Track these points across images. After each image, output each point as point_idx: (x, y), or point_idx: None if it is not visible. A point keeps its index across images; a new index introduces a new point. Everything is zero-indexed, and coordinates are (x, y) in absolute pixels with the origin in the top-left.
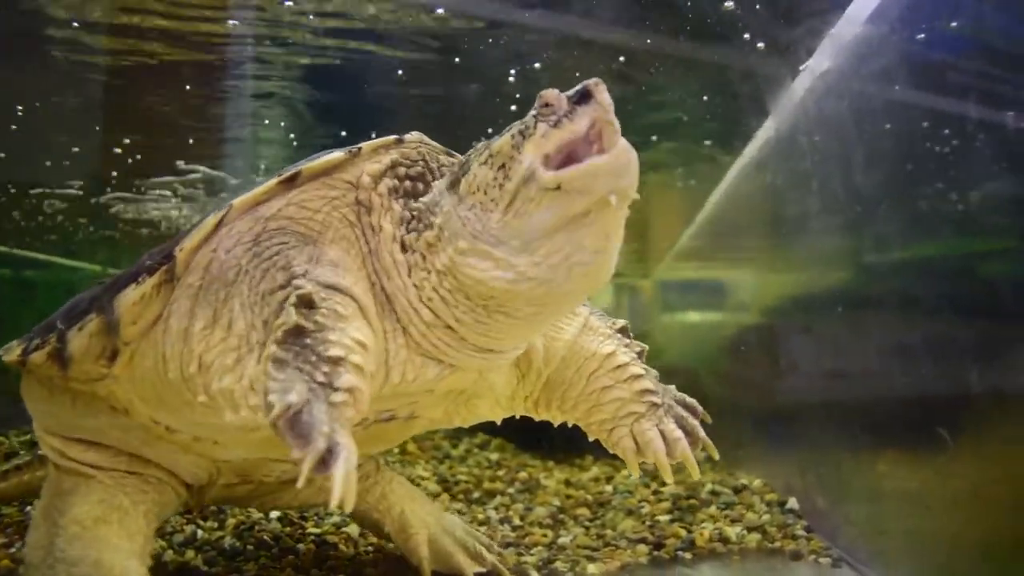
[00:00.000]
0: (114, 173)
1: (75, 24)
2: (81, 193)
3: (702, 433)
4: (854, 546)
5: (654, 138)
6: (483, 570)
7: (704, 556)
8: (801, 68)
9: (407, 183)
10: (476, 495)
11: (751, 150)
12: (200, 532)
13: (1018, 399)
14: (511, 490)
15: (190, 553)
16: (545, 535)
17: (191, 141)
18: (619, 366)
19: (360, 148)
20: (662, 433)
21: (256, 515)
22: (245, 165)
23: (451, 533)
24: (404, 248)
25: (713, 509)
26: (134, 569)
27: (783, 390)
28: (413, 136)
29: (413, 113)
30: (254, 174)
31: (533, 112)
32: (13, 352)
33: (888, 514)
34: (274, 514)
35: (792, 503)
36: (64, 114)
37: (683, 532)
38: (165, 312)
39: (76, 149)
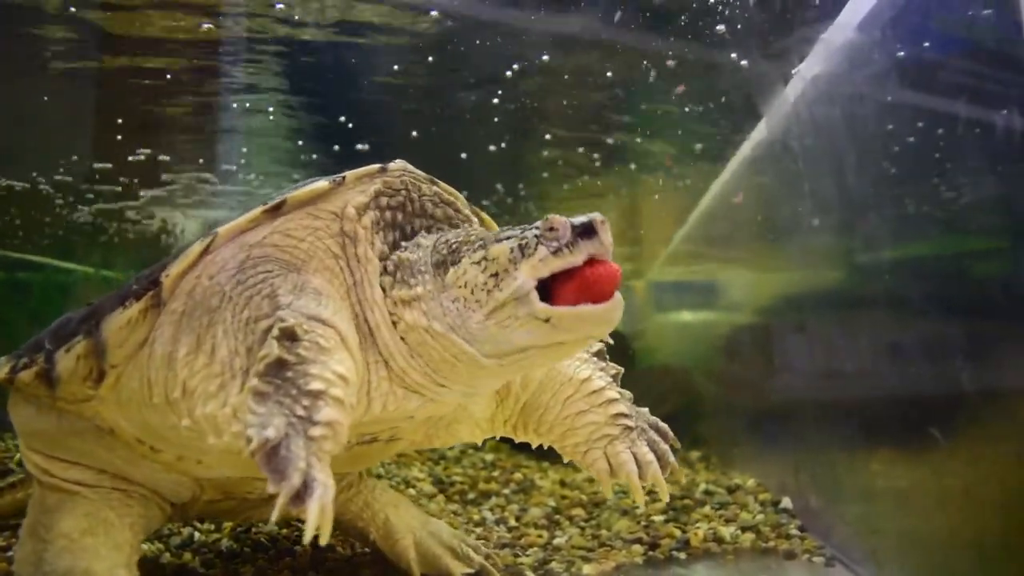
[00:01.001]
0: (108, 175)
1: (68, 23)
2: (73, 195)
3: (672, 458)
4: (847, 545)
5: (643, 138)
6: (471, 571)
7: (699, 556)
8: (793, 72)
9: (388, 214)
10: (471, 496)
11: (744, 152)
12: (197, 535)
13: (1008, 397)
14: (506, 491)
15: (187, 556)
16: (541, 536)
17: (186, 144)
18: (595, 391)
19: (344, 177)
20: (635, 456)
21: (256, 518)
22: (237, 168)
23: (437, 536)
24: (384, 290)
25: (707, 509)
26: None
27: (776, 390)
28: (396, 165)
29: (406, 118)
30: (247, 175)
31: (536, 230)
32: (1, 370)
33: (881, 513)
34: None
35: (786, 503)
36: (57, 115)
37: (678, 532)
38: (150, 337)
39: (70, 151)
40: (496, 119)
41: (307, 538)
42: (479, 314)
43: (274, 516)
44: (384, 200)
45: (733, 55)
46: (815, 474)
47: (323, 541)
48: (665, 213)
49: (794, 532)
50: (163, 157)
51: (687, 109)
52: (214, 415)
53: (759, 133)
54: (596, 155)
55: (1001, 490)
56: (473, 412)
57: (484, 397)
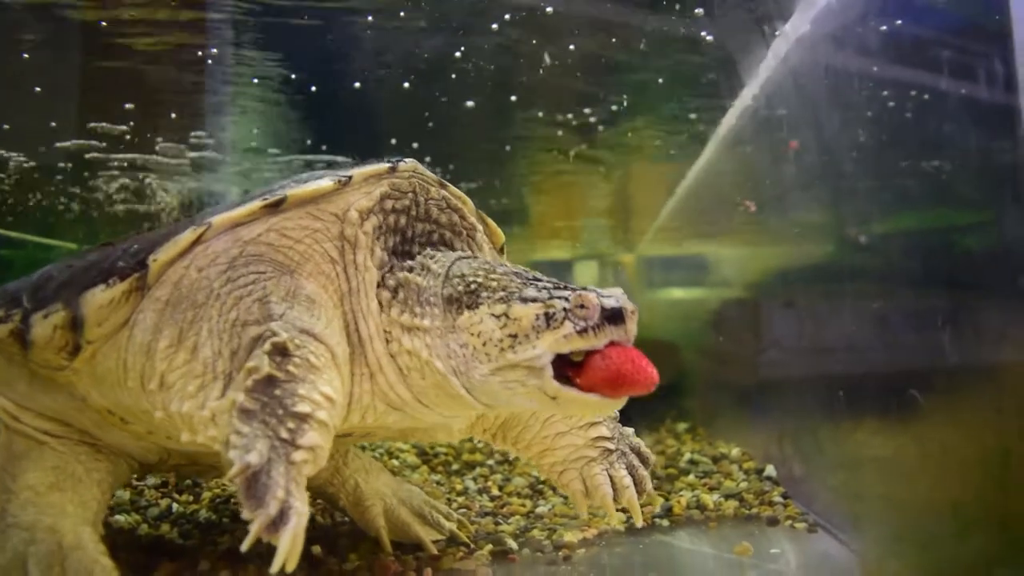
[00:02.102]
0: (93, 148)
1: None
2: (54, 171)
3: (649, 486)
4: (830, 512)
5: (629, 111)
6: (441, 538)
7: (681, 523)
8: (776, 34)
9: (391, 217)
10: (455, 467)
11: (729, 121)
12: (175, 506)
13: (988, 366)
14: (490, 462)
15: (165, 527)
16: (523, 505)
17: (172, 116)
18: None
19: (351, 177)
20: (611, 478)
21: (232, 487)
22: (228, 141)
23: (408, 503)
24: (380, 304)
25: (691, 478)
26: (87, 536)
27: (763, 363)
28: (407, 165)
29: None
30: (239, 150)
31: (564, 302)
32: None
33: (864, 480)
34: None
35: (770, 471)
36: (36, 91)
37: (661, 500)
38: (131, 319)
39: (50, 126)
40: (481, 94)
41: (275, 568)
42: (485, 367)
43: (246, 544)
44: (389, 203)
45: (716, 27)
46: (799, 443)
47: (289, 569)
48: (653, 186)
49: (777, 499)
50: (151, 134)
51: (669, 76)
52: (191, 415)
53: (743, 101)
54: (584, 128)
55: (980, 453)
56: (451, 425)
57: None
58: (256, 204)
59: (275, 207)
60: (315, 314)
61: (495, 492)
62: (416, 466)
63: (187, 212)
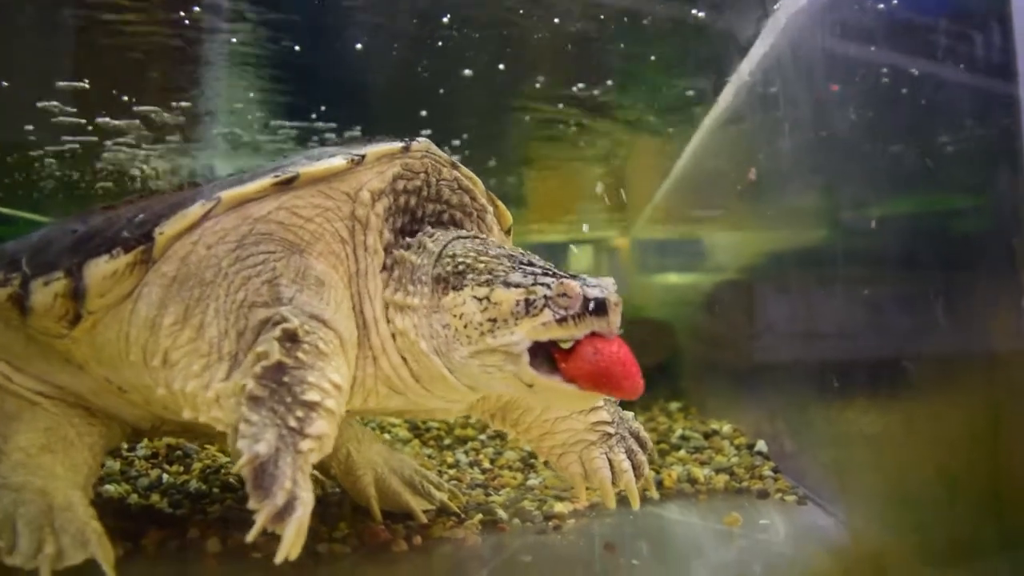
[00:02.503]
0: (77, 121)
1: None
2: (44, 146)
3: (647, 470)
4: (820, 486)
5: (622, 92)
6: (431, 508)
7: (672, 496)
8: (775, 8)
9: (402, 198)
10: (447, 441)
11: (724, 100)
12: (166, 476)
13: (979, 348)
14: (482, 436)
15: (155, 497)
16: (515, 477)
17: (157, 91)
18: None
19: (364, 156)
20: (610, 462)
21: (223, 459)
22: (214, 107)
23: (399, 472)
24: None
25: (683, 452)
26: (77, 500)
27: (756, 344)
28: (420, 145)
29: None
30: (221, 118)
31: (547, 289)
32: None
33: (854, 457)
34: None
35: (761, 446)
36: (22, 63)
37: (652, 473)
38: (135, 292)
39: (39, 100)
40: (473, 75)
41: (280, 557)
42: (465, 350)
43: (252, 534)
44: (401, 183)
45: (712, 2)
46: (791, 421)
47: (292, 557)
48: (648, 167)
49: (768, 473)
50: (139, 108)
51: (663, 51)
52: (194, 395)
53: (740, 76)
54: (577, 109)
55: (969, 423)
56: (451, 408)
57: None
58: (267, 181)
59: (286, 184)
60: (324, 298)
61: (486, 465)
62: (408, 440)
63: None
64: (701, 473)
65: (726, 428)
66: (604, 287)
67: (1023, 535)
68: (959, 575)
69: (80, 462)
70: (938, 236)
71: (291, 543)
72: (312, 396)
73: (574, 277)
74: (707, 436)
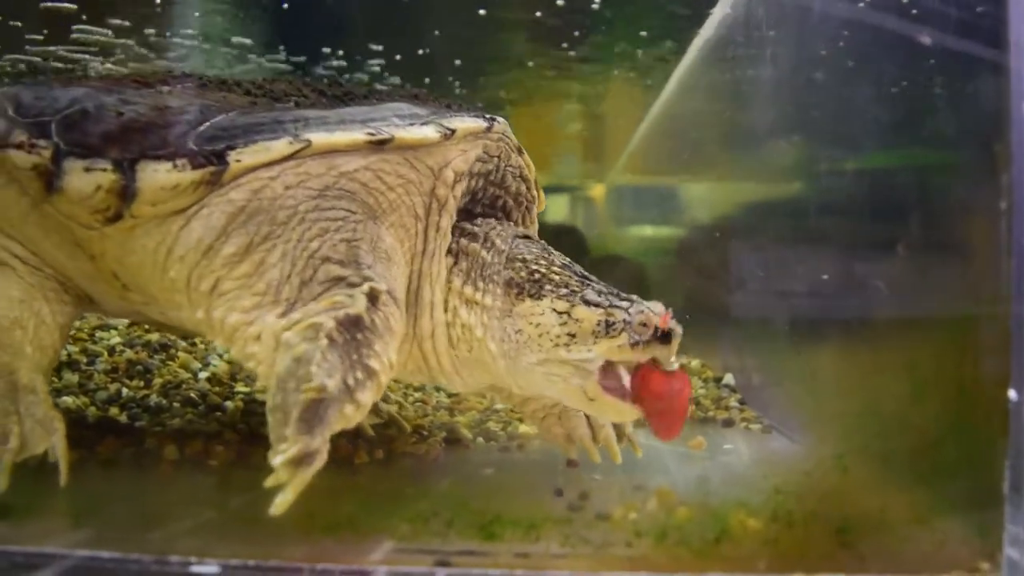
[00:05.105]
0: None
1: None
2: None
3: (629, 429)
4: (786, 418)
5: (600, 32)
6: (380, 421)
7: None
8: None
9: (473, 181)
10: None
11: (704, 34)
12: (125, 391)
13: (952, 297)
14: None
15: (114, 410)
16: (480, 402)
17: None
18: None
19: (454, 131)
20: (588, 419)
21: (184, 375)
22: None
23: None
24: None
25: None
26: (40, 384)
27: (729, 287)
28: (499, 126)
29: None
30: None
31: (626, 313)
32: None
33: (821, 392)
34: (203, 374)
35: (728, 379)
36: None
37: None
38: (191, 210)
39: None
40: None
41: (280, 508)
42: (534, 357)
43: (278, 459)
44: (477, 166)
45: None
46: (760, 357)
47: (284, 507)
48: (624, 109)
49: (734, 405)
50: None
51: None
52: (234, 327)
53: (721, 8)
54: (553, 49)
55: (936, 370)
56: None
57: None
58: (360, 136)
59: (378, 145)
60: (392, 274)
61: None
62: None
63: None
64: None
65: (694, 363)
66: (670, 319)
67: (982, 459)
68: (919, 493)
69: (48, 344)
70: (919, 190)
71: (295, 491)
72: (374, 364)
73: (631, 300)
74: None
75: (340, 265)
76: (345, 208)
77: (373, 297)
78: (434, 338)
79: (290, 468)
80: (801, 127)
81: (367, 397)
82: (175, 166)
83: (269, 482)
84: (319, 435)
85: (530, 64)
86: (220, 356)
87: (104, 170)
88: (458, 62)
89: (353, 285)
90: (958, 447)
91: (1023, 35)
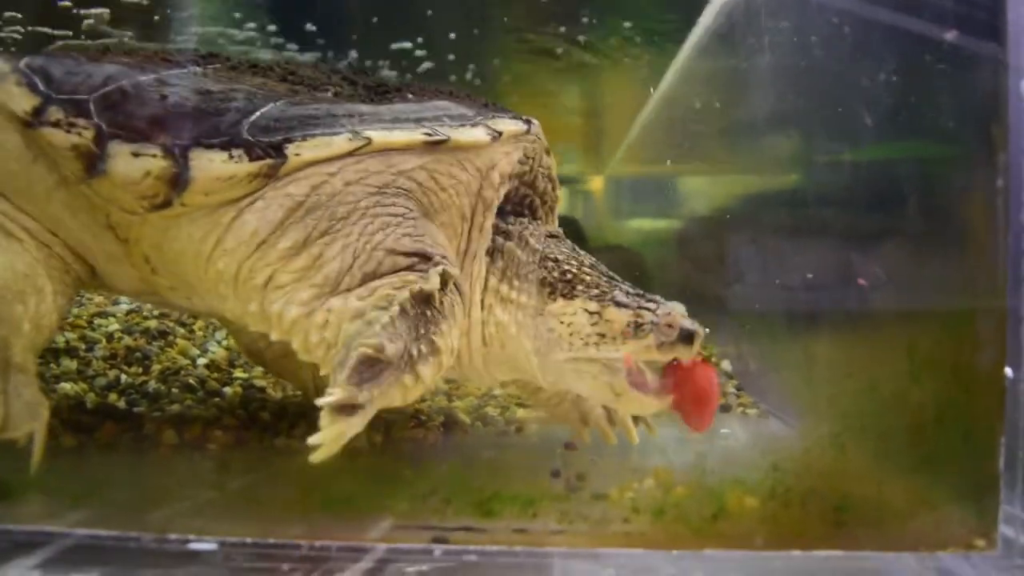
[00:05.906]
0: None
1: None
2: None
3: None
4: (782, 404)
5: (598, 19)
6: None
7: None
8: None
9: (512, 182)
10: None
11: (704, 23)
12: (124, 377)
13: (948, 287)
14: None
15: (113, 396)
16: (478, 388)
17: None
18: None
19: (501, 133)
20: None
21: (183, 361)
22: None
23: None
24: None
25: None
26: (31, 363)
27: (727, 274)
28: (536, 128)
29: None
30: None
31: (654, 315)
32: (22, 101)
33: (817, 378)
34: (201, 360)
35: (725, 365)
36: None
37: None
38: (244, 201)
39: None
40: None
41: (318, 456)
42: (563, 354)
43: (322, 400)
44: (516, 168)
45: None
46: (757, 344)
47: (322, 458)
48: (623, 100)
49: (731, 390)
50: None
51: None
52: (293, 320)
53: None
54: (552, 39)
55: (932, 352)
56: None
57: None
58: (418, 136)
59: (434, 146)
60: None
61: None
62: None
63: None
64: None
65: None
66: (692, 321)
67: (978, 438)
68: (915, 473)
69: (45, 324)
70: (919, 183)
71: (331, 441)
72: (440, 342)
73: (656, 302)
74: None
75: (406, 256)
76: (404, 205)
77: (444, 280)
78: (468, 335)
79: (331, 415)
80: (800, 117)
81: (428, 372)
82: (231, 156)
83: (316, 456)
84: (367, 391)
85: (528, 54)
86: (219, 343)
87: (154, 156)
88: (451, 57)
89: (423, 270)
90: (954, 427)
91: (1020, 23)
